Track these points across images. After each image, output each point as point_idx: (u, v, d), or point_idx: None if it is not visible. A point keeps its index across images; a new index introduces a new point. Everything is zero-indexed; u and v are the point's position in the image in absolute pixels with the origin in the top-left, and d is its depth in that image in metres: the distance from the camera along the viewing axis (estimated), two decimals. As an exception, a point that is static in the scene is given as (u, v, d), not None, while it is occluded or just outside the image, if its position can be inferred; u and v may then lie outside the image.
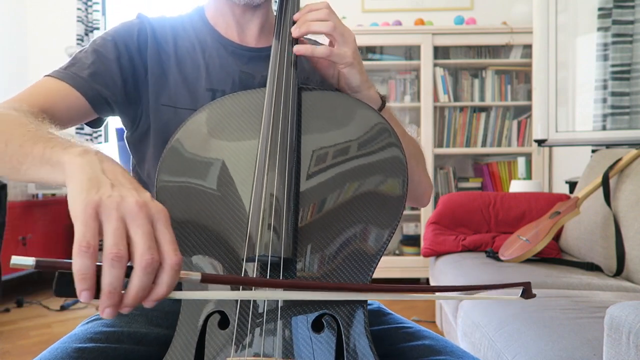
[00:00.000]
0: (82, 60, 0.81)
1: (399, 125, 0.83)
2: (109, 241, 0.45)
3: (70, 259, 0.44)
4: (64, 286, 0.45)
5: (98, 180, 0.48)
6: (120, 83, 0.81)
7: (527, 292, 0.66)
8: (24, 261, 0.44)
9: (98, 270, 0.44)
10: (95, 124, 0.87)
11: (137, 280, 0.45)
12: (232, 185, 0.68)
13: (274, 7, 0.90)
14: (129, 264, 0.46)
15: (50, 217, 3.25)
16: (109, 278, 0.44)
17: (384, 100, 0.85)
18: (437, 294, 0.65)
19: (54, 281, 0.46)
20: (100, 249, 0.45)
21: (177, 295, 0.56)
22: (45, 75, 0.79)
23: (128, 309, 0.46)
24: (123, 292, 0.46)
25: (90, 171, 0.50)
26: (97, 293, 0.45)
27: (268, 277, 0.61)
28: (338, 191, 0.67)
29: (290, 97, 0.73)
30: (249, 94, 0.76)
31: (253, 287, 0.60)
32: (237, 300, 0.60)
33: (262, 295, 0.60)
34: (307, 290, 0.59)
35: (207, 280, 0.52)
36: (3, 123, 0.64)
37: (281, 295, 0.59)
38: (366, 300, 0.63)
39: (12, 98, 0.75)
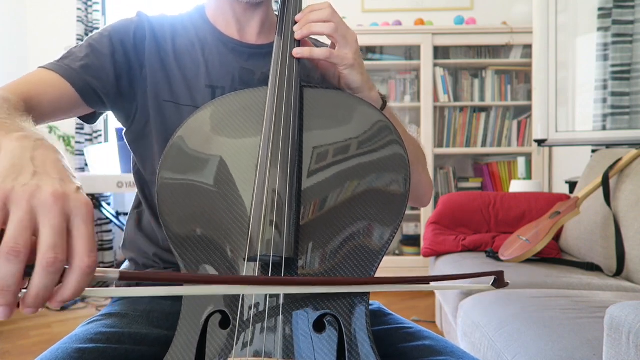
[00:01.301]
0: (75, 53, 0.81)
1: (399, 125, 0.83)
2: (9, 233, 0.40)
3: None
4: None
5: (21, 167, 0.45)
6: (113, 78, 0.81)
7: (498, 281, 0.67)
8: None
9: None
10: (90, 119, 0.87)
11: (37, 279, 0.41)
12: (234, 182, 0.68)
13: (275, 7, 0.90)
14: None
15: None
16: (1, 273, 0.40)
17: (385, 100, 0.85)
18: (407, 285, 0.66)
19: None
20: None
21: (111, 292, 0.51)
22: (39, 67, 0.79)
23: (29, 309, 0.43)
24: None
25: (17, 157, 0.46)
26: None
27: (269, 276, 0.61)
28: (340, 189, 0.67)
29: (292, 95, 0.73)
30: (251, 92, 0.76)
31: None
32: (238, 301, 0.60)
33: (243, 290, 0.58)
34: (294, 285, 0.58)
35: (126, 277, 0.47)
36: None
37: (258, 289, 0.58)
38: (367, 300, 0.63)
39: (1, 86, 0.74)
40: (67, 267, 0.43)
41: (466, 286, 0.61)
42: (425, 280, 0.65)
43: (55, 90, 0.77)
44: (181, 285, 0.63)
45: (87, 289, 0.45)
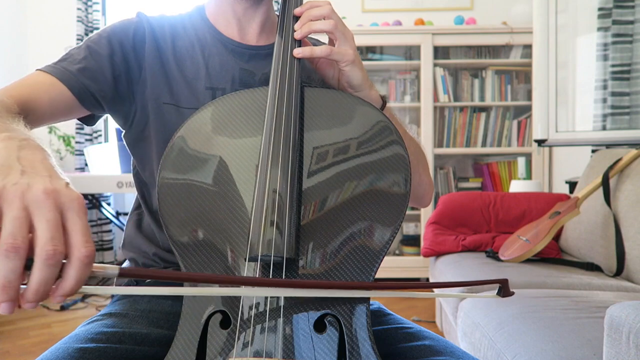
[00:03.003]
0: (73, 55, 0.81)
1: (399, 125, 0.83)
2: (6, 231, 0.41)
3: None
4: None
5: (9, 167, 0.45)
6: (111, 80, 0.81)
7: (504, 289, 0.65)
8: None
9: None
10: (89, 121, 0.87)
11: (38, 273, 0.42)
12: (234, 182, 0.68)
13: (276, 6, 0.90)
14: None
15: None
16: (2, 270, 0.40)
17: (384, 100, 0.85)
18: (409, 291, 0.64)
19: None
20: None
21: (115, 290, 0.51)
22: (37, 69, 0.79)
23: (31, 304, 0.43)
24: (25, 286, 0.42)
25: (4, 157, 0.47)
26: None
27: (270, 276, 0.61)
28: (340, 189, 0.67)
29: (293, 95, 0.73)
30: (251, 92, 0.76)
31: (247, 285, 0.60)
32: (239, 301, 0.60)
33: (243, 292, 0.58)
34: (297, 288, 0.58)
35: (125, 274, 0.47)
36: None
37: (259, 292, 0.58)
38: (368, 300, 0.63)
39: None
40: (64, 261, 0.43)
41: (469, 295, 0.60)
42: (429, 286, 0.65)
43: (52, 93, 0.77)
44: (181, 284, 0.63)
45: (87, 287, 0.45)
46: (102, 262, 3.25)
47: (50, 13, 3.49)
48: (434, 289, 0.76)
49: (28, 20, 3.49)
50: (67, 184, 0.46)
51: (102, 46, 0.81)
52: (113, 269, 0.46)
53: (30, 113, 0.72)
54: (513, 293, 0.66)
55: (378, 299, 0.80)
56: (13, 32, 3.40)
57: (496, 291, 0.66)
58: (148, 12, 0.89)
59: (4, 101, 0.67)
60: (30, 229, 0.42)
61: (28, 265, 0.42)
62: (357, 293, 0.61)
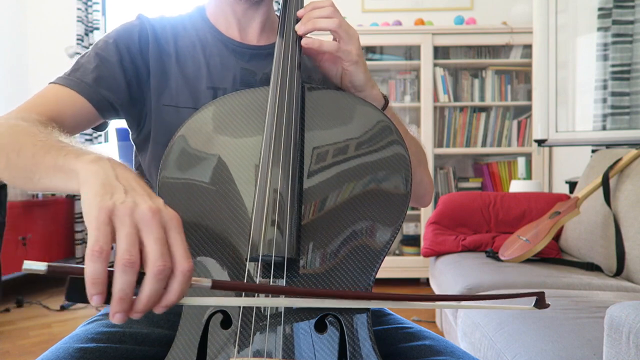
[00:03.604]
0: (85, 65, 0.81)
1: (401, 124, 0.83)
2: (122, 247, 0.45)
3: (74, 260, 0.44)
4: (76, 291, 0.45)
5: (112, 186, 0.49)
6: (124, 85, 0.81)
7: (540, 302, 0.63)
8: (35, 266, 0.44)
9: (110, 275, 0.44)
10: (100, 126, 0.87)
11: (149, 286, 0.45)
12: (235, 182, 0.68)
13: (276, 6, 0.90)
14: (141, 270, 0.46)
15: (50, 217, 3.25)
16: (120, 284, 0.44)
17: (386, 100, 0.85)
18: (441, 302, 0.62)
19: (65, 286, 0.45)
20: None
21: (188, 301, 0.56)
22: (50, 83, 0.79)
23: (139, 314, 0.46)
24: (135, 297, 0.46)
25: (103, 177, 0.50)
26: (108, 298, 0.45)
27: (271, 276, 0.61)
28: (341, 189, 0.67)
29: (294, 94, 0.73)
30: (252, 92, 0.76)
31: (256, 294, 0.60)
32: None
33: (269, 302, 0.59)
34: (317, 298, 0.58)
35: (218, 286, 0.51)
36: (14, 134, 0.64)
37: (285, 302, 0.59)
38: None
39: (19, 107, 0.75)
40: None
41: (505, 306, 0.57)
42: (456, 299, 0.63)
43: (74, 107, 0.77)
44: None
45: (186, 298, 0.50)
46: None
47: (50, 13, 3.49)
48: (464, 302, 0.73)
49: (28, 20, 3.49)
50: (163, 202, 0.50)
51: (111, 53, 0.81)
52: (207, 281, 0.50)
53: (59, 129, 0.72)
54: (549, 305, 0.64)
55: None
56: (13, 32, 3.40)
57: (533, 303, 0.63)
58: (148, 13, 0.89)
59: (41, 121, 0.69)
60: (139, 244, 0.46)
61: (139, 279, 0.45)
62: (365, 304, 0.61)
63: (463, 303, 0.69)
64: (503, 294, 0.64)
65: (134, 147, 0.90)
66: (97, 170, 0.51)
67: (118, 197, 0.47)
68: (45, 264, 0.44)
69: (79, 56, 0.85)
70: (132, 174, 0.53)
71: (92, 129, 0.87)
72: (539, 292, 0.63)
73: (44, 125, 0.67)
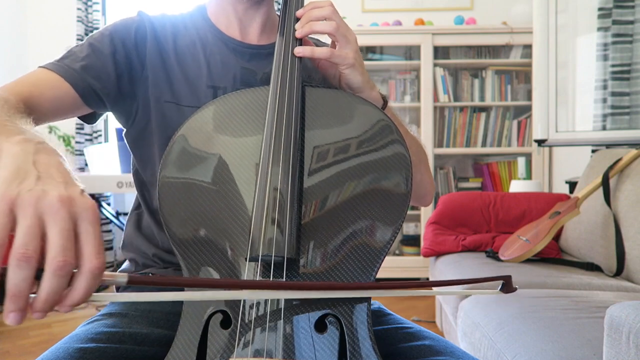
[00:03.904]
0: (76, 53, 0.81)
1: (401, 124, 0.83)
2: (19, 240, 0.41)
3: None
4: None
5: (25, 171, 0.45)
6: (114, 78, 0.81)
7: (506, 285, 0.64)
8: None
9: (4, 271, 0.41)
10: (90, 119, 0.87)
11: (47, 283, 0.41)
12: (235, 181, 0.68)
13: (276, 6, 0.90)
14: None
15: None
16: (13, 280, 0.40)
17: (385, 100, 0.85)
18: (410, 290, 0.63)
19: None
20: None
21: (119, 297, 0.51)
22: (39, 67, 0.79)
23: (39, 314, 0.43)
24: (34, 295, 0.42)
25: (20, 161, 0.46)
26: (1, 296, 0.41)
27: (271, 276, 0.61)
28: (341, 188, 0.67)
29: (294, 93, 0.73)
30: (253, 91, 0.76)
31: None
32: (240, 301, 0.60)
33: (244, 295, 0.58)
34: (299, 290, 0.57)
35: (135, 282, 0.47)
36: None
37: (264, 294, 0.58)
38: (369, 300, 0.63)
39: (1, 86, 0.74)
40: (75, 270, 0.43)
41: (471, 291, 0.59)
42: (428, 285, 0.64)
43: (55, 91, 0.76)
44: (182, 289, 0.63)
45: (95, 294, 0.45)
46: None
47: (50, 13, 3.49)
48: (434, 287, 0.76)
49: (28, 20, 3.49)
50: (82, 191, 0.46)
51: (105, 44, 0.81)
52: (122, 277, 0.46)
53: (34, 111, 0.71)
54: (516, 289, 0.65)
55: (378, 298, 0.80)
56: (13, 32, 3.40)
57: (499, 287, 0.65)
58: (149, 12, 0.89)
59: (9, 99, 0.67)
60: (43, 237, 0.42)
61: (37, 274, 0.41)
62: (357, 293, 0.61)
63: (434, 289, 0.70)
64: (470, 279, 0.65)
65: (127, 145, 0.90)
66: (16, 153, 0.47)
67: (27, 184, 0.43)
68: None
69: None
70: (56, 160, 0.48)
71: (82, 120, 0.86)
72: (505, 277, 0.64)
73: (7, 102, 0.65)
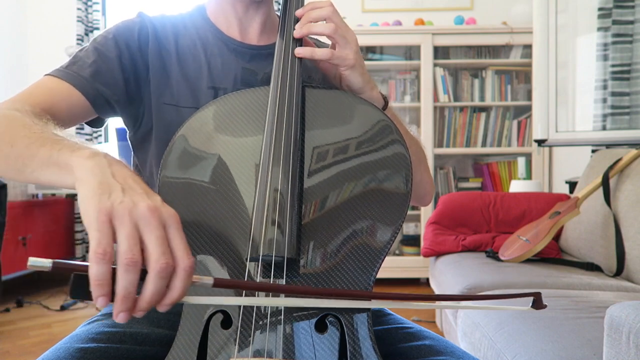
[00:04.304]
0: (83, 59, 0.80)
1: (401, 125, 0.83)
2: (123, 247, 0.45)
3: (76, 258, 0.44)
4: (80, 289, 0.46)
5: (109, 184, 0.49)
6: (122, 82, 0.81)
7: (537, 302, 0.63)
8: (40, 263, 0.44)
9: (113, 274, 0.45)
10: (96, 123, 0.87)
11: (151, 285, 0.46)
12: (235, 181, 0.68)
13: (276, 6, 0.90)
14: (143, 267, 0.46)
15: (50, 217, 3.25)
16: (123, 283, 0.45)
17: (386, 100, 0.85)
18: (440, 302, 0.62)
19: (70, 283, 0.46)
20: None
21: (189, 300, 0.56)
22: (46, 75, 0.78)
23: (142, 312, 0.47)
24: (138, 296, 0.46)
25: (100, 175, 0.50)
26: (111, 297, 0.45)
27: (271, 276, 0.61)
28: (341, 188, 0.67)
29: (294, 94, 0.73)
30: (253, 92, 0.76)
31: (257, 293, 0.60)
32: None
33: (269, 302, 0.60)
34: (317, 297, 0.59)
35: (220, 284, 0.51)
36: (7, 125, 0.64)
37: (285, 302, 0.59)
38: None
39: (12, 98, 0.74)
40: None
41: (503, 307, 0.57)
42: (455, 299, 0.63)
43: (68, 100, 0.76)
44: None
45: (189, 297, 0.51)
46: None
47: (50, 13, 3.49)
48: (462, 302, 0.74)
49: (28, 20, 3.49)
50: (161, 200, 0.50)
51: (110, 48, 0.81)
52: (208, 279, 0.50)
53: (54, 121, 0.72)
54: (546, 306, 0.64)
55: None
56: (13, 32, 3.40)
57: (530, 304, 0.63)
58: (148, 12, 0.88)
59: (35, 113, 0.68)
60: (140, 244, 0.46)
61: (141, 277, 0.46)
62: (364, 304, 0.61)
63: (462, 303, 0.70)
64: (500, 294, 0.64)
65: (131, 146, 0.90)
66: (93, 168, 0.50)
67: (116, 196, 0.47)
68: (50, 260, 0.44)
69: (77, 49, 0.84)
70: (129, 171, 0.52)
71: (88, 125, 0.86)
72: (535, 293, 0.63)
73: (38, 116, 0.67)
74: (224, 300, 0.60)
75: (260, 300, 0.60)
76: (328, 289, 0.62)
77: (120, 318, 0.46)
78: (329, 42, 0.81)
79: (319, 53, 0.76)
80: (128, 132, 0.89)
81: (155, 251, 0.46)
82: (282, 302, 0.59)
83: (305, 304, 0.59)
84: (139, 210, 0.47)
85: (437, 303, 0.62)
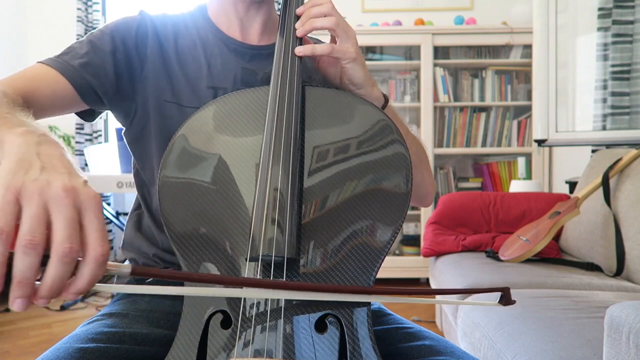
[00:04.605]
0: (76, 49, 0.80)
1: (401, 124, 0.83)
2: (25, 227, 0.41)
3: None
4: None
5: (29, 162, 0.46)
6: (113, 76, 0.81)
7: (505, 298, 0.64)
8: None
9: (11, 257, 0.41)
10: (89, 117, 0.87)
11: (53, 270, 0.42)
12: (235, 181, 0.68)
13: (277, 6, 0.90)
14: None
15: None
16: (20, 266, 0.41)
17: (386, 99, 0.85)
18: (409, 297, 0.63)
19: None
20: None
21: (104, 287, 0.50)
22: (38, 62, 0.79)
23: (44, 300, 0.43)
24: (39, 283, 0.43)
25: (24, 152, 0.47)
26: (8, 283, 0.41)
27: (271, 276, 0.61)
28: (341, 188, 0.67)
29: (294, 93, 0.73)
30: (253, 92, 0.76)
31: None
32: (240, 301, 0.60)
33: (247, 294, 0.58)
34: (302, 291, 0.58)
35: (138, 273, 0.48)
36: None
37: (263, 294, 0.58)
38: (369, 302, 0.63)
39: None
40: (79, 259, 0.44)
41: (468, 302, 0.58)
42: (430, 293, 0.64)
43: (53, 86, 0.76)
44: (182, 284, 0.63)
45: (99, 285, 0.46)
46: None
47: (50, 13, 3.49)
48: (436, 296, 0.76)
49: (28, 20, 3.49)
50: (85, 181, 0.47)
51: (105, 42, 0.81)
52: (126, 268, 0.47)
53: (32, 105, 0.71)
54: (514, 302, 0.65)
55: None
56: (13, 32, 3.40)
57: (497, 299, 0.65)
58: (149, 11, 0.89)
59: (7, 93, 0.67)
60: (48, 225, 0.43)
61: (43, 261, 0.42)
62: (358, 297, 0.61)
63: (437, 298, 0.71)
64: (469, 289, 0.65)
65: (126, 143, 0.90)
66: (19, 144, 0.48)
67: (32, 174, 0.44)
68: None
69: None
70: (59, 151, 0.49)
71: (80, 117, 0.86)
72: (504, 288, 0.64)
73: (6, 96, 0.66)
74: (220, 291, 0.59)
75: (249, 292, 0.59)
76: (318, 284, 0.61)
77: (16, 305, 0.42)
78: (328, 42, 0.81)
79: (320, 49, 0.76)
80: (124, 129, 0.89)
81: (59, 234, 0.42)
82: (259, 293, 0.58)
83: (292, 296, 0.58)
84: (52, 190, 0.43)
85: (406, 298, 0.63)
